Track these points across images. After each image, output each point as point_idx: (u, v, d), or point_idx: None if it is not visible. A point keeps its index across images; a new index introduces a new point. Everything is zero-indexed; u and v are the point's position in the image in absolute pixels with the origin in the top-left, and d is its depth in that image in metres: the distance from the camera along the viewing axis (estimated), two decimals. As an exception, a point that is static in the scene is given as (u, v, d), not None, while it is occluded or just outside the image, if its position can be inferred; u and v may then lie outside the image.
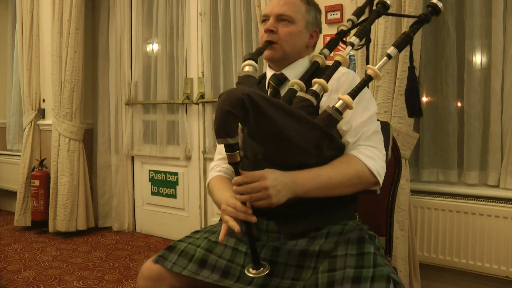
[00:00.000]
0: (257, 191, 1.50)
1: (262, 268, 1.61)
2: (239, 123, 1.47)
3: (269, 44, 1.85)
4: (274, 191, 1.50)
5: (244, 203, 1.56)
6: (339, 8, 3.24)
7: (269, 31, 1.85)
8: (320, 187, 1.59)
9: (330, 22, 3.27)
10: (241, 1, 4.03)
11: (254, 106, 1.41)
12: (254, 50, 3.75)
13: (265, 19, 1.90)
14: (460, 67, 3.07)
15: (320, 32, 2.00)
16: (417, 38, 2.77)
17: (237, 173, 1.54)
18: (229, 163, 1.52)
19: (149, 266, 1.79)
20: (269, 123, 1.45)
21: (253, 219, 1.56)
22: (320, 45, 3.25)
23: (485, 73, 3.00)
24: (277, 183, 1.51)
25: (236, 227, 1.55)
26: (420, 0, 2.74)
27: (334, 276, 1.53)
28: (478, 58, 3.03)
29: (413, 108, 1.79)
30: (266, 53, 1.88)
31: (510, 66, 2.86)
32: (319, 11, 1.98)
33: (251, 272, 1.61)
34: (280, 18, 1.85)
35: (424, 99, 3.23)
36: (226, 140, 1.43)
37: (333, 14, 3.27)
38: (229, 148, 1.47)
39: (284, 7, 1.85)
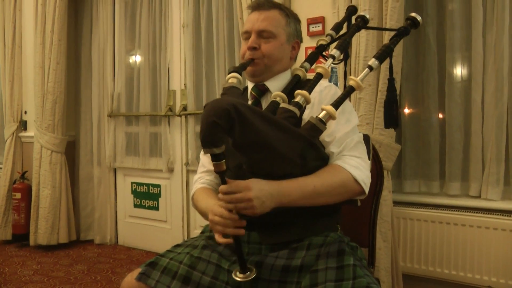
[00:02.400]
0: (241, 201, 1.51)
1: (249, 272, 1.61)
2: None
3: (252, 61, 1.87)
4: (258, 202, 1.51)
5: (231, 210, 1.56)
6: (321, 20, 3.27)
7: (252, 48, 1.87)
8: (305, 196, 1.60)
9: (312, 35, 3.30)
10: (223, 13, 4.04)
11: (239, 116, 1.42)
12: (236, 62, 3.79)
13: (246, 35, 1.92)
14: (441, 79, 3.10)
15: (301, 41, 2.02)
16: (399, 51, 2.80)
17: (224, 182, 1.55)
18: (216, 172, 1.52)
19: (129, 281, 1.76)
20: (255, 133, 1.46)
21: (241, 232, 1.56)
22: (302, 57, 3.28)
23: (465, 85, 3.04)
24: (262, 194, 1.52)
25: (221, 240, 1.58)
26: (401, 14, 2.77)
27: (308, 285, 1.55)
28: (459, 70, 3.07)
29: (390, 119, 1.82)
30: (248, 69, 1.89)
31: (490, 78, 2.90)
32: (298, 21, 2.00)
33: (238, 276, 1.62)
34: (261, 33, 1.87)
35: (406, 110, 3.26)
36: (212, 150, 1.44)
37: (315, 27, 3.29)
38: (215, 158, 1.47)
39: (265, 23, 1.87)
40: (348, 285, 1.52)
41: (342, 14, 2.93)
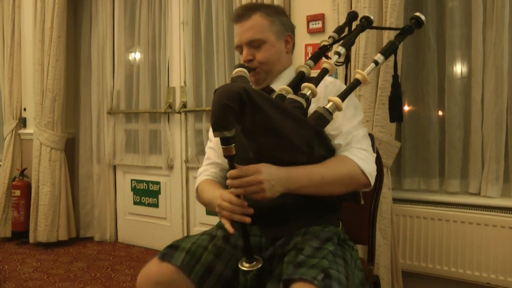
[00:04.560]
0: (252, 184, 1.53)
1: (255, 262, 1.63)
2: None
3: (253, 69, 1.90)
4: (268, 185, 1.53)
5: (238, 196, 1.58)
6: (321, 17, 3.27)
7: (247, 61, 1.90)
8: (312, 184, 1.62)
9: (312, 32, 3.30)
10: (223, 10, 4.04)
11: (250, 100, 1.44)
12: (236, 59, 3.79)
13: (239, 49, 1.95)
14: (441, 76, 3.10)
15: (294, 29, 2.02)
16: (399, 48, 2.79)
17: (232, 167, 1.56)
18: (225, 156, 1.53)
19: (157, 270, 1.70)
20: (264, 118, 1.49)
21: (247, 220, 1.57)
22: (301, 52, 3.29)
23: (465, 82, 3.04)
24: (272, 177, 1.54)
25: (231, 230, 1.59)
26: (401, 11, 2.78)
27: (289, 260, 1.60)
28: (459, 68, 3.07)
29: (395, 113, 1.85)
30: (252, 78, 1.92)
31: (490, 76, 2.90)
32: (282, 13, 1.99)
33: (244, 266, 1.63)
34: (251, 44, 1.90)
35: (406, 108, 3.26)
36: (223, 133, 1.45)
37: (315, 24, 3.29)
38: (225, 141, 1.48)
39: (249, 33, 1.89)
40: (312, 261, 1.54)
41: (342, 11, 2.94)
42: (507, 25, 2.83)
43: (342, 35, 2.04)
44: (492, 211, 2.82)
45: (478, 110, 2.95)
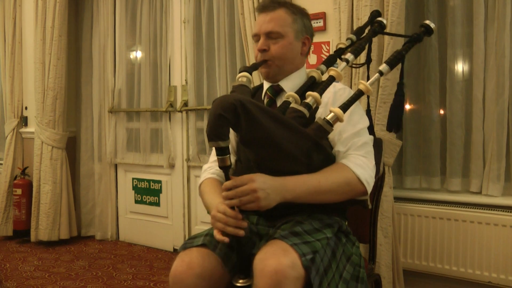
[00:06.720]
0: (246, 194, 1.53)
1: (247, 279, 1.62)
2: (231, 129, 1.52)
3: (264, 62, 1.91)
4: (263, 194, 1.54)
5: (233, 208, 1.59)
6: (322, 16, 3.26)
7: (261, 50, 1.91)
8: (309, 192, 1.63)
9: (313, 30, 3.28)
10: (224, 9, 4.04)
11: (245, 111, 1.46)
12: (237, 58, 3.79)
13: (256, 38, 1.96)
14: (442, 75, 3.10)
15: (312, 36, 2.04)
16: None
17: (227, 178, 1.58)
18: (220, 167, 1.56)
19: (198, 262, 1.65)
20: (260, 129, 1.50)
21: (241, 233, 1.58)
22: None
23: (467, 81, 3.04)
24: (266, 186, 1.55)
25: (225, 239, 1.59)
26: (403, 10, 2.77)
27: (285, 227, 1.62)
28: (460, 67, 3.06)
29: (393, 122, 1.85)
30: (262, 70, 1.95)
31: (491, 74, 2.90)
32: (306, 16, 2.01)
33: (239, 282, 1.62)
34: (269, 35, 1.91)
35: (407, 106, 3.26)
36: (217, 143, 1.48)
37: (317, 22, 3.28)
38: (220, 152, 1.51)
39: (271, 24, 1.90)
40: (307, 238, 1.57)
41: (343, 10, 2.94)
42: (509, 24, 2.83)
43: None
44: (493, 209, 2.82)
45: (479, 108, 2.95)
